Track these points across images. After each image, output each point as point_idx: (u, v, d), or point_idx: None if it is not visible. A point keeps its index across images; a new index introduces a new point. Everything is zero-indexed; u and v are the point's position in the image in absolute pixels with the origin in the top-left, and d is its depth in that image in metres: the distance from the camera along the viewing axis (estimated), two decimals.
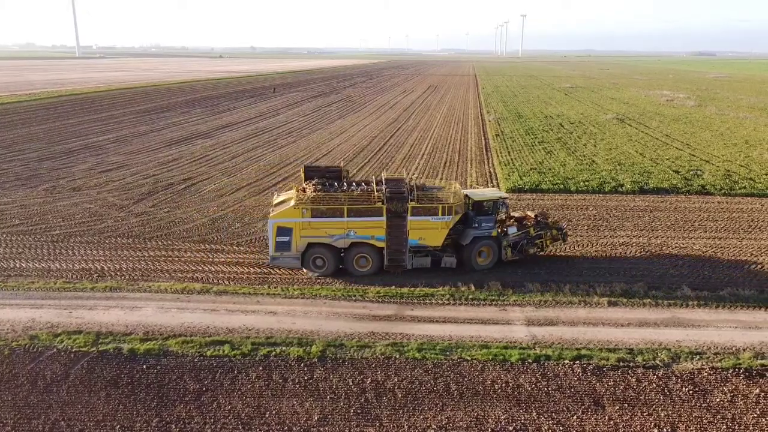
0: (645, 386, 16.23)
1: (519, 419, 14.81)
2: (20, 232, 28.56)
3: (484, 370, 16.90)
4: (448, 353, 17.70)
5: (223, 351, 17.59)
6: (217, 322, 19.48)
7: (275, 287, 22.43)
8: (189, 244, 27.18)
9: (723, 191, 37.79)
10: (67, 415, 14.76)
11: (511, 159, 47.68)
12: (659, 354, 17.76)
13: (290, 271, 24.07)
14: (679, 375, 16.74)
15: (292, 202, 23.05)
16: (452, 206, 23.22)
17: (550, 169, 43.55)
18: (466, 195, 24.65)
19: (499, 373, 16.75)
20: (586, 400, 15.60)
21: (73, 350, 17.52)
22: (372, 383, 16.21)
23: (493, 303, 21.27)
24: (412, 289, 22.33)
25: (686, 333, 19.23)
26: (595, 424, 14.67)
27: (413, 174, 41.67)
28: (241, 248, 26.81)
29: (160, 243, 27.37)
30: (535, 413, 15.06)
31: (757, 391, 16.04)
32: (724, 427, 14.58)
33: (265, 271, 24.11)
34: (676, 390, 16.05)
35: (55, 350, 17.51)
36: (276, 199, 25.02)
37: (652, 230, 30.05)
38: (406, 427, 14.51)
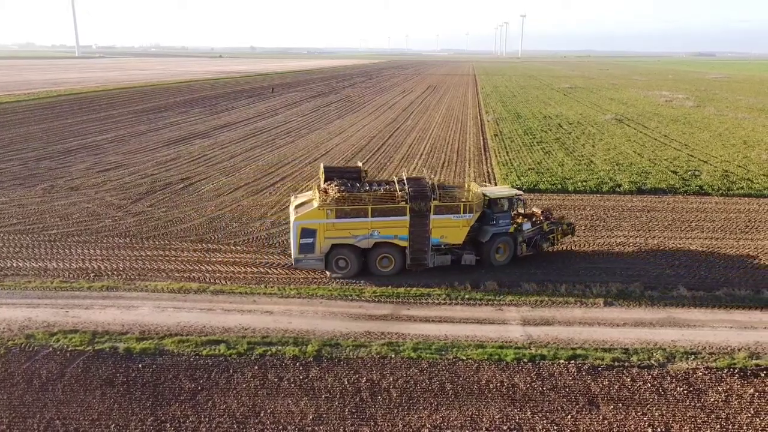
0: (640, 386, 16.26)
1: (513, 419, 14.84)
2: (17, 232, 28.57)
3: (479, 369, 16.93)
4: (443, 353, 17.73)
5: (219, 350, 17.61)
6: (214, 322, 19.50)
7: (272, 287, 22.46)
8: (186, 244, 27.20)
9: (720, 192, 37.83)
10: (63, 414, 14.79)
11: (510, 159, 47.72)
12: (654, 354, 17.80)
13: (287, 271, 24.11)
14: (673, 375, 16.77)
15: (316, 204, 22.81)
16: (473, 204, 23.60)
17: (548, 169, 43.58)
18: (483, 193, 24.90)
19: (495, 372, 16.78)
20: (581, 400, 15.63)
21: (69, 349, 17.53)
22: (367, 382, 16.23)
23: (490, 303, 21.30)
24: (409, 288, 22.36)
25: (682, 333, 19.27)
26: (590, 424, 14.70)
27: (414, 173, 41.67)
28: (239, 248, 26.83)
29: (157, 242, 27.38)
30: (529, 413, 15.08)
31: (752, 390, 16.07)
32: (718, 426, 14.61)
33: (262, 270, 24.14)
34: (671, 390, 16.08)
35: (51, 349, 17.53)
36: (294, 202, 24.67)
37: (649, 230, 30.09)
38: (400, 426, 14.54)
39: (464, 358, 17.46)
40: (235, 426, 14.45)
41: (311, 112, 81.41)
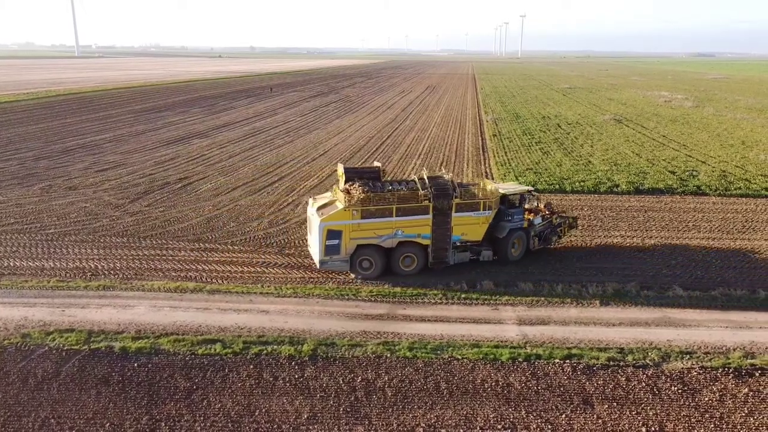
0: (634, 385, 16.29)
1: (508, 418, 14.86)
2: (15, 231, 28.58)
3: (474, 369, 16.95)
4: (439, 352, 17.75)
5: (215, 349, 17.62)
6: (210, 321, 19.52)
7: (268, 286, 22.46)
8: (183, 243, 27.22)
9: (718, 192, 37.86)
10: (58, 413, 14.80)
11: (508, 159, 47.75)
12: (649, 353, 17.82)
13: (283, 270, 24.12)
14: (668, 374, 16.79)
15: (341, 205, 22.77)
16: (491, 201, 24.06)
17: (546, 169, 43.61)
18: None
19: (490, 372, 16.80)
20: (576, 399, 15.65)
21: (65, 348, 17.55)
22: (362, 382, 16.25)
23: (486, 302, 21.32)
24: (405, 288, 22.38)
25: (677, 332, 19.29)
26: (584, 423, 14.72)
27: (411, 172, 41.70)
28: (236, 247, 26.84)
29: (154, 242, 27.40)
30: (524, 412, 15.10)
31: (746, 390, 16.10)
32: (712, 425, 14.63)
33: (259, 270, 24.15)
34: (665, 389, 16.10)
35: (46, 348, 17.54)
36: (314, 204, 24.33)
37: (646, 230, 30.12)
38: (395, 425, 14.55)
39: (459, 357, 17.48)
40: (230, 425, 14.47)
41: (310, 112, 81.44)
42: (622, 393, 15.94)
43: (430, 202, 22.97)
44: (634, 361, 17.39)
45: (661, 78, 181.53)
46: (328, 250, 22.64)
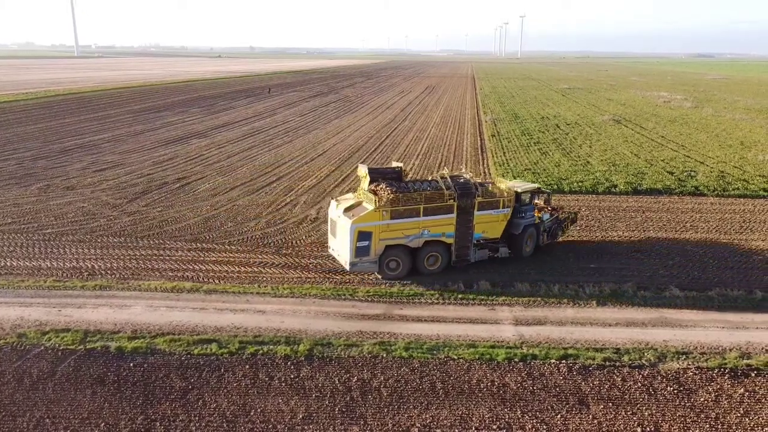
0: (630, 385, 16.28)
1: (503, 418, 14.85)
2: (12, 231, 28.56)
3: (470, 369, 16.94)
4: (435, 352, 17.74)
5: (211, 349, 17.61)
6: (206, 321, 19.51)
7: (265, 286, 22.45)
8: (181, 243, 27.20)
9: (716, 192, 37.87)
10: (53, 412, 14.78)
11: (506, 159, 47.76)
12: (646, 354, 17.82)
13: (280, 270, 24.10)
14: (664, 375, 16.79)
15: (370, 206, 22.78)
16: (509, 199, 24.74)
17: (544, 169, 43.62)
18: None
19: (485, 372, 16.80)
20: (571, 399, 15.64)
21: (61, 348, 17.53)
22: (358, 382, 16.24)
23: (482, 302, 21.32)
24: (402, 288, 22.37)
25: (673, 333, 19.29)
26: (579, 423, 14.72)
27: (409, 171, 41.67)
28: (233, 247, 26.83)
29: (151, 242, 27.38)
30: (519, 412, 15.10)
31: (742, 390, 16.10)
32: (707, 426, 14.63)
33: (256, 270, 24.14)
34: (661, 389, 16.10)
35: (42, 348, 17.53)
36: (338, 206, 24.07)
37: (644, 231, 30.12)
38: (390, 425, 14.54)
39: (456, 357, 17.48)
40: (225, 425, 14.46)
41: (309, 112, 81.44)
42: (617, 393, 15.93)
43: (454, 201, 23.41)
44: (630, 362, 17.39)
45: (661, 78, 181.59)
46: (359, 252, 22.69)
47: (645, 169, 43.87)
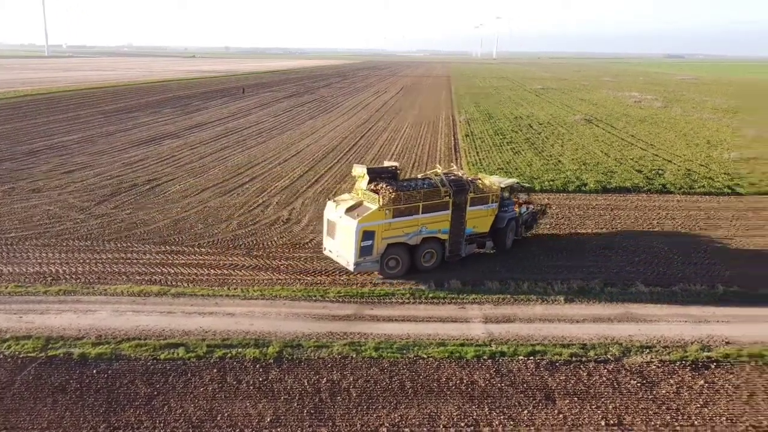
0: (595, 380, 16.57)
1: (471, 415, 14.97)
2: None
3: (439, 367, 17.03)
4: (404, 352, 17.78)
5: (178, 354, 17.34)
6: (173, 325, 19.20)
7: (235, 289, 22.20)
8: (149, 246, 26.73)
9: (683, 190, 38.79)
10: (11, 423, 14.37)
11: (479, 159, 48.15)
12: (611, 348, 18.15)
13: (250, 272, 23.87)
14: (628, 368, 17.13)
15: (373, 205, 22.73)
16: (496, 194, 25.49)
17: (516, 168, 44.10)
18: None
19: (455, 370, 16.91)
20: (538, 395, 15.85)
21: (21, 356, 17.06)
22: (327, 383, 16.19)
23: (453, 301, 21.44)
24: (373, 288, 22.38)
25: (638, 328, 19.70)
26: (545, 418, 14.92)
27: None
28: (203, 249, 26.47)
29: (119, 245, 26.85)
30: (487, 409, 15.23)
31: (702, 382, 16.52)
32: (669, 417, 14.97)
33: (226, 272, 23.86)
34: (625, 383, 16.43)
35: (1, 357, 17.03)
36: (337, 207, 23.75)
37: (613, 228, 30.69)
38: (359, 425, 14.53)
39: (425, 356, 17.55)
40: (191, 430, 14.25)
41: (284, 113, 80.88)
42: (583, 388, 16.20)
43: (450, 198, 23.77)
44: (596, 357, 17.70)
45: (633, 79, 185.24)
46: (363, 252, 22.71)
47: (615, 168, 44.70)
